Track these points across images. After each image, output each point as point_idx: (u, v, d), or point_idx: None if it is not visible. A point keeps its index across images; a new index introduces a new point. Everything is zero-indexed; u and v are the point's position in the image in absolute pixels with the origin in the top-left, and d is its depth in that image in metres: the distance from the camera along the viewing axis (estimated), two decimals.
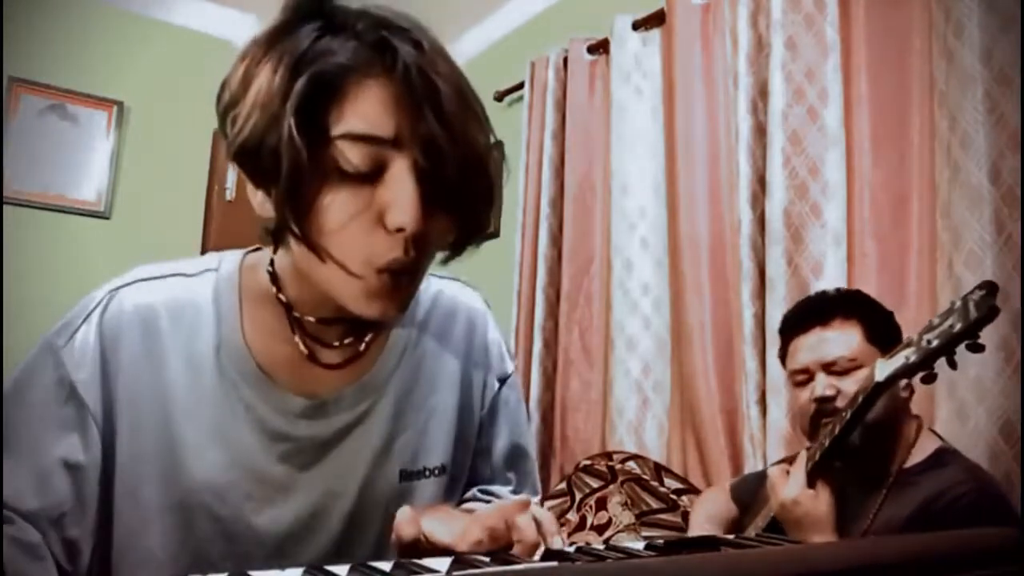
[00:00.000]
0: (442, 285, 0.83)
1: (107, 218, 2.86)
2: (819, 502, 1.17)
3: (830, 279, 1.68)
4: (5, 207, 2.64)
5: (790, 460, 1.29)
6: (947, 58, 1.51)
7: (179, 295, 0.71)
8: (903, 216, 1.66)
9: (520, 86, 2.75)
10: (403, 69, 0.59)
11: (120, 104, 2.90)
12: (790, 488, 1.19)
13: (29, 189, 2.73)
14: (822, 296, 1.37)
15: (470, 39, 3.14)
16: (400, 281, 0.64)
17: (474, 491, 0.84)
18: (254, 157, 0.60)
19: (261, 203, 0.65)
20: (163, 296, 0.71)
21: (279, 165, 0.58)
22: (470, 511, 0.70)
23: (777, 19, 1.80)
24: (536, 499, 0.87)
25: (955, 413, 1.40)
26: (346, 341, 0.74)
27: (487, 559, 0.52)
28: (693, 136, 2.07)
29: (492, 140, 0.67)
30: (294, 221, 0.60)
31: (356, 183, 0.60)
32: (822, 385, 1.25)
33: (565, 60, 2.54)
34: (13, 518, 0.64)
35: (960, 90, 1.47)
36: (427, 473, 0.77)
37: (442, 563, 0.49)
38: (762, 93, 1.86)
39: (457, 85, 0.62)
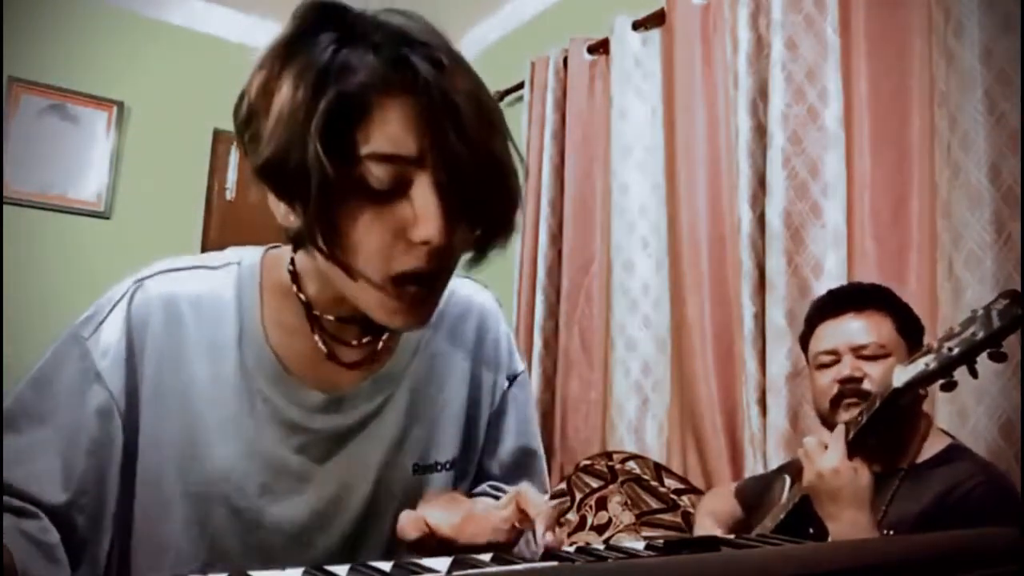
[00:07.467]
0: (455, 284, 0.82)
1: (107, 218, 2.86)
2: (859, 475, 1.13)
3: (830, 279, 1.68)
4: (5, 207, 2.64)
5: (794, 464, 1.29)
6: (947, 58, 1.51)
7: (203, 286, 0.73)
8: (903, 216, 1.66)
9: (520, 86, 2.75)
10: (423, 88, 0.59)
11: (120, 104, 2.90)
12: (829, 458, 1.14)
13: (29, 189, 2.73)
14: (858, 286, 1.41)
15: (470, 39, 3.14)
16: (423, 293, 0.65)
17: (484, 486, 0.84)
18: (279, 173, 0.60)
19: (284, 215, 0.66)
20: (187, 287, 0.73)
21: (305, 182, 0.58)
22: (475, 499, 0.71)
23: (777, 19, 1.80)
24: (544, 498, 0.86)
25: (955, 413, 1.40)
26: (364, 340, 0.75)
27: (487, 559, 0.52)
28: (693, 136, 2.07)
29: (509, 143, 0.66)
30: (322, 238, 0.61)
31: (381, 199, 0.61)
32: (850, 366, 1.26)
33: (565, 60, 2.54)
34: (38, 514, 0.64)
35: (960, 90, 1.47)
36: (438, 467, 0.78)
37: (442, 563, 0.49)
38: (762, 93, 1.86)
39: (476, 98, 0.63)
